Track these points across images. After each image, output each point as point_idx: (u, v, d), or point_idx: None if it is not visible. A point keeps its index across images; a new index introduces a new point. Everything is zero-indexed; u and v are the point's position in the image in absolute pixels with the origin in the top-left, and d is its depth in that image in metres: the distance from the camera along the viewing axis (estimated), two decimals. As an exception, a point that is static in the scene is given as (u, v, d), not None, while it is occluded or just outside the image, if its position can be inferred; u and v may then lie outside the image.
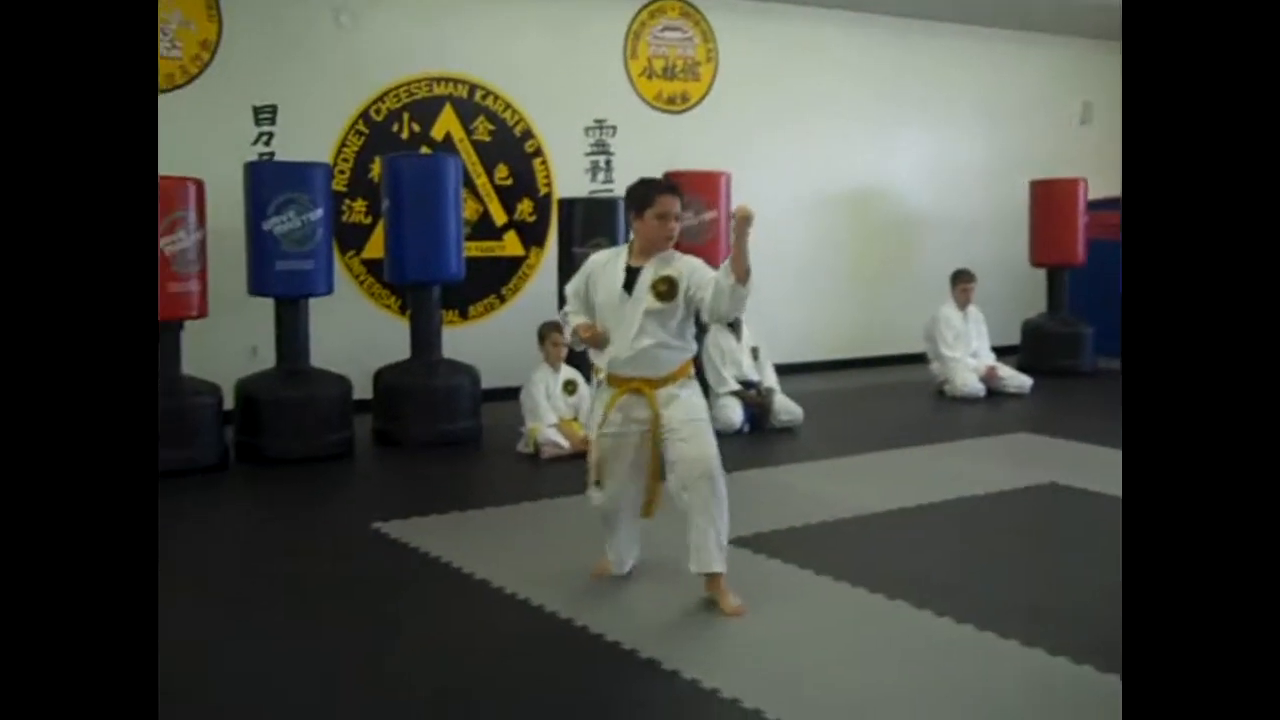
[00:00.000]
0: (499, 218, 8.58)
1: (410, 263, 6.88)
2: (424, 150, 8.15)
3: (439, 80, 8.30)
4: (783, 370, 7.96)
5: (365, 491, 6.08)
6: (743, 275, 3.72)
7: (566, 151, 8.80)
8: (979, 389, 8.52)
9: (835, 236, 10.13)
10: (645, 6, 9.15)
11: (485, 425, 7.09)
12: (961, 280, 8.89)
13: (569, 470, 5.94)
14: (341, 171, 7.96)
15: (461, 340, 7.80)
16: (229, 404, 6.52)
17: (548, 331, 6.74)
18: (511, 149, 8.59)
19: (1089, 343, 9.74)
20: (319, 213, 6.54)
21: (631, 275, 3.97)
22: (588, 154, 8.92)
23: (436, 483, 6.08)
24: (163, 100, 7.29)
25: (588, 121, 8.91)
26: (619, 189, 7.95)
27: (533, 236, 8.71)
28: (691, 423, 3.96)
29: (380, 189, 7.27)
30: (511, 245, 8.66)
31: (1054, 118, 11.23)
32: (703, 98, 9.45)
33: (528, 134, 8.64)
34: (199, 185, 6.30)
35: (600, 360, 4.08)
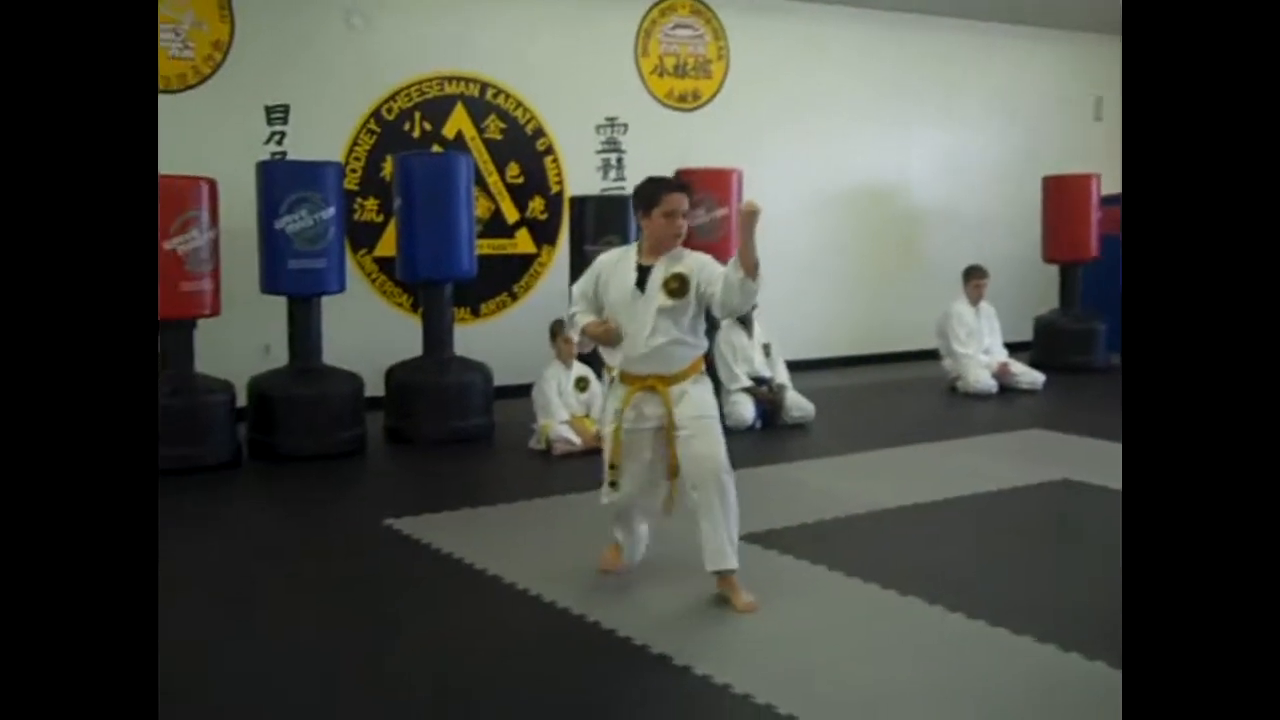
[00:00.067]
0: (511, 216, 8.59)
1: (422, 261, 6.89)
2: (435, 149, 8.16)
3: (450, 79, 8.31)
4: (795, 366, 7.95)
5: (377, 488, 6.10)
6: (751, 269, 3.73)
7: (578, 149, 8.81)
8: (991, 385, 8.50)
9: (847, 232, 10.12)
10: (656, 4, 9.15)
11: (497, 422, 7.10)
12: (974, 276, 8.87)
13: (581, 467, 5.95)
14: (353, 170, 7.98)
15: (473, 338, 7.82)
16: (241, 402, 6.55)
17: (559, 329, 6.75)
18: (523, 147, 8.60)
19: (1102, 339, 9.70)
20: (331, 211, 6.56)
21: (643, 274, 3.98)
22: (599, 152, 8.93)
23: (448, 479, 6.10)
24: (175, 100, 7.33)
25: (599, 119, 8.92)
26: (630, 187, 7.94)
27: (544, 234, 8.72)
28: (700, 419, 3.97)
29: (392, 187, 7.29)
30: (523, 243, 8.67)
31: (1067, 113, 11.19)
32: (714, 95, 9.44)
33: (539, 132, 8.64)
34: (211, 184, 6.33)
35: (613, 358, 4.08)
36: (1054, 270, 9.99)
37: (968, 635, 3.66)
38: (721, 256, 4.11)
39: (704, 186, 7.71)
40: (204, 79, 7.51)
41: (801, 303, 9.50)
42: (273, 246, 6.52)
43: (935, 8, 10.10)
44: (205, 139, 7.25)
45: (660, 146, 8.77)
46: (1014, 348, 9.13)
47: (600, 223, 7.64)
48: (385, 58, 8.07)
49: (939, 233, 10.50)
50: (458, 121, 8.35)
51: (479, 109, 8.42)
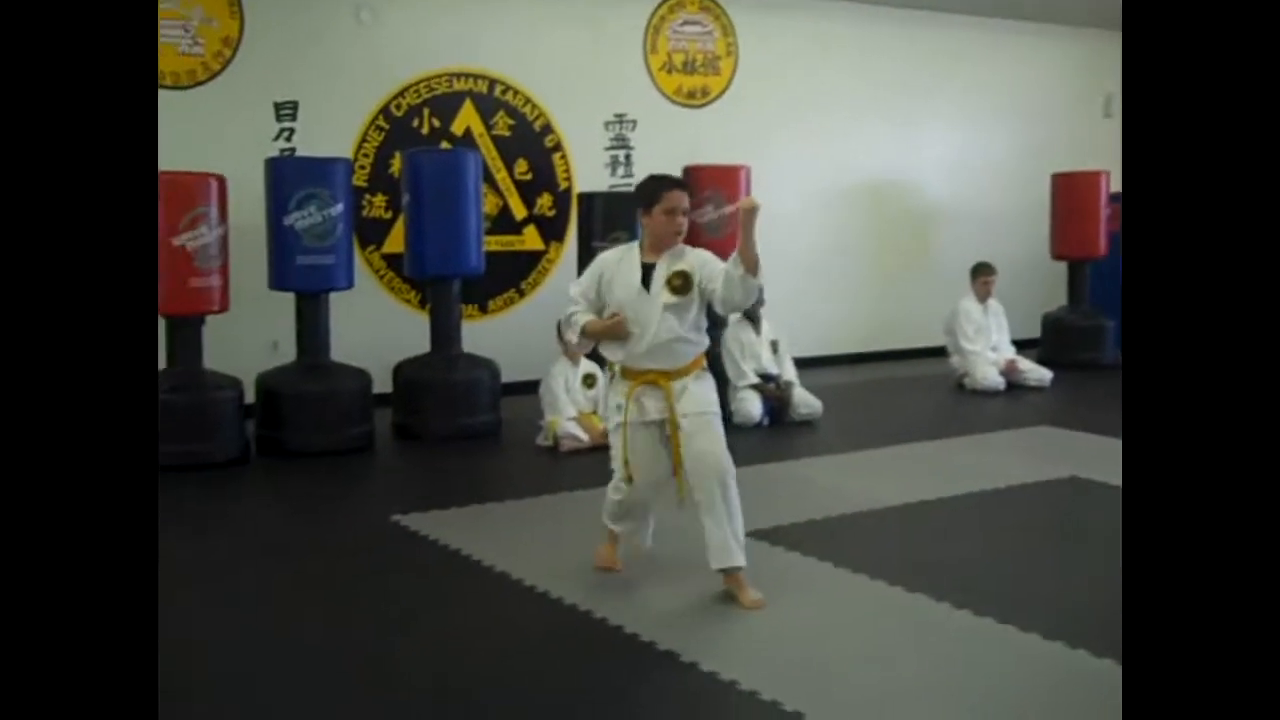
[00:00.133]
0: (519, 212, 8.60)
1: (430, 257, 6.90)
2: (444, 145, 8.18)
3: (459, 75, 8.32)
4: (802, 364, 7.94)
5: (385, 485, 6.11)
6: (752, 265, 3.74)
7: (586, 146, 8.81)
8: (999, 382, 8.48)
9: (855, 230, 10.11)
10: (665, 1, 9.15)
11: (504, 419, 7.11)
12: (982, 273, 8.85)
13: (588, 463, 5.96)
14: (362, 167, 7.99)
15: (481, 334, 7.83)
16: (250, 398, 6.56)
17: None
18: (531, 144, 8.60)
19: (1110, 336, 9.66)
20: (339, 208, 6.57)
21: (646, 272, 3.99)
22: (607, 148, 8.93)
23: (456, 476, 6.11)
24: (185, 97, 7.35)
25: (607, 116, 8.92)
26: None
27: (552, 231, 8.73)
28: (700, 415, 3.97)
29: (400, 184, 7.30)
30: (531, 240, 8.68)
31: (1076, 110, 11.16)
32: (723, 92, 9.44)
33: (547, 129, 8.65)
34: (220, 181, 6.35)
35: (614, 354, 4.08)
36: (1062, 267, 9.96)
37: (974, 632, 3.66)
38: (729, 253, 4.11)
39: (712, 183, 7.71)
40: (213, 75, 7.53)
41: (809, 299, 9.50)
42: (281, 243, 6.53)
43: (945, 4, 10.08)
44: (214, 135, 7.27)
45: (669, 143, 8.77)
46: (1022, 345, 9.11)
47: (608, 219, 7.63)
48: (394, 54, 8.08)
49: (947, 230, 10.48)
50: (466, 118, 8.36)
51: (488, 105, 8.43)
